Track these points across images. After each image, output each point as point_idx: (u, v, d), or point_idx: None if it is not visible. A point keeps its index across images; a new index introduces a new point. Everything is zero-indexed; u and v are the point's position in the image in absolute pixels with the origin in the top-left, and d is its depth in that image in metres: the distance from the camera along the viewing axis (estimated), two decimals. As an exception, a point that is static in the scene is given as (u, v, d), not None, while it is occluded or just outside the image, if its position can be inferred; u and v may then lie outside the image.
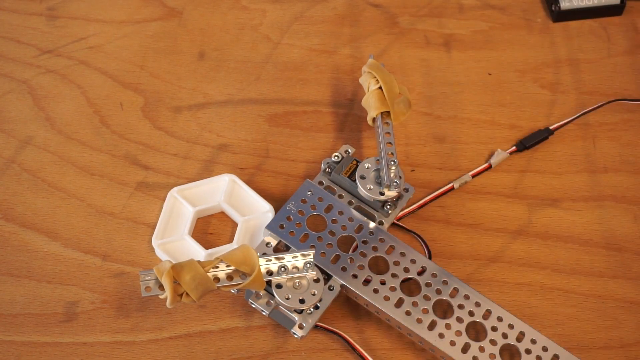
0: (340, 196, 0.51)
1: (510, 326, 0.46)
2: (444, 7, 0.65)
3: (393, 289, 0.47)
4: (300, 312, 0.46)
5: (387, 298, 0.47)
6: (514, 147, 0.56)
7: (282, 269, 0.45)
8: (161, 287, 0.43)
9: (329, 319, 0.48)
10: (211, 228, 0.53)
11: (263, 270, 0.45)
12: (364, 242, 0.49)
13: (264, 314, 0.46)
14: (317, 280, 0.46)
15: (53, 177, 0.55)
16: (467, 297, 0.47)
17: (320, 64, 0.61)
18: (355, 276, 0.47)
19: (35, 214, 0.53)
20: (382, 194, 0.50)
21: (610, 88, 0.60)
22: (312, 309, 0.46)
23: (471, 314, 0.47)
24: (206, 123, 0.58)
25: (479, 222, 0.53)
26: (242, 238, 0.51)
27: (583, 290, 0.50)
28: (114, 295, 0.50)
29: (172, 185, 0.54)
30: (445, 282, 0.48)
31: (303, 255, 0.46)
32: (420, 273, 0.48)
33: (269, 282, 0.46)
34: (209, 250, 0.50)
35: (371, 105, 0.52)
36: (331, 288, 0.47)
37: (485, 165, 0.55)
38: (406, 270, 0.48)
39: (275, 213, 0.51)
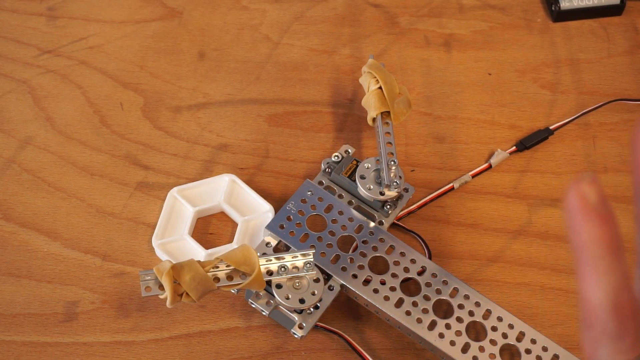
0: (340, 196, 0.51)
1: (510, 326, 0.46)
2: (444, 7, 0.65)
3: (393, 289, 0.47)
4: (300, 312, 0.46)
5: (387, 298, 0.47)
6: (514, 147, 0.56)
7: (282, 269, 0.45)
8: (161, 287, 0.43)
9: (329, 319, 0.48)
10: (211, 228, 0.53)
11: (263, 270, 0.45)
12: (364, 242, 0.49)
13: (264, 314, 0.46)
14: (317, 280, 0.46)
15: (53, 177, 0.55)
16: (467, 297, 0.47)
17: (320, 64, 0.61)
18: (355, 276, 0.47)
19: (35, 214, 0.53)
20: (382, 194, 0.50)
21: (610, 88, 0.60)
22: (312, 309, 0.46)
23: (471, 314, 0.47)
24: (206, 123, 0.58)
25: (479, 222, 0.53)
26: (242, 238, 0.51)
27: (583, 290, 0.50)
28: (114, 295, 0.50)
29: (172, 185, 0.54)
30: (445, 282, 0.48)
31: (303, 255, 0.46)
32: (420, 273, 0.48)
33: (269, 282, 0.46)
34: (209, 250, 0.50)
35: (371, 105, 0.52)
36: (331, 288, 0.47)
37: (485, 165, 0.55)
38: (406, 270, 0.48)
39: (275, 213, 0.51)
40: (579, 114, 0.58)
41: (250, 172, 0.55)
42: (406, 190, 0.52)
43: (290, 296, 0.45)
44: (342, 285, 0.48)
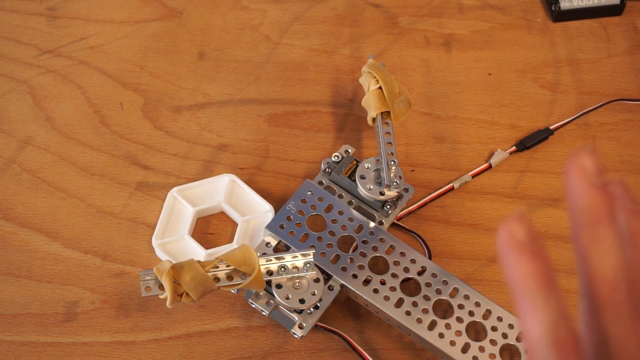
0: (340, 196, 0.51)
1: (510, 326, 0.46)
2: (444, 7, 0.65)
3: (393, 289, 0.47)
4: (300, 312, 0.46)
5: (387, 298, 0.47)
6: (514, 147, 0.56)
7: (282, 269, 0.45)
8: (161, 287, 0.43)
9: (329, 319, 0.48)
10: (211, 228, 0.53)
11: (263, 270, 0.45)
12: (364, 242, 0.49)
13: (264, 314, 0.46)
14: (317, 280, 0.46)
15: (53, 177, 0.55)
16: (467, 297, 0.47)
17: (320, 64, 0.61)
18: (355, 276, 0.47)
19: (35, 214, 0.53)
20: (382, 194, 0.50)
21: (610, 88, 0.60)
22: (312, 309, 0.46)
23: (471, 314, 0.47)
24: (206, 123, 0.58)
25: (479, 222, 0.53)
26: (242, 238, 0.51)
27: (583, 290, 0.50)
28: (114, 295, 0.50)
29: (172, 185, 0.54)
30: (445, 282, 0.48)
31: (303, 255, 0.46)
32: (420, 273, 0.48)
33: (269, 282, 0.46)
34: (209, 250, 0.50)
35: (371, 105, 0.52)
36: (331, 288, 0.47)
37: (485, 165, 0.55)
38: (406, 270, 0.48)
39: (275, 213, 0.51)
40: (579, 114, 0.58)
41: (250, 172, 0.55)
42: (406, 190, 0.52)
43: (290, 296, 0.45)
44: (342, 285, 0.48)
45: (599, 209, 0.25)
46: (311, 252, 0.46)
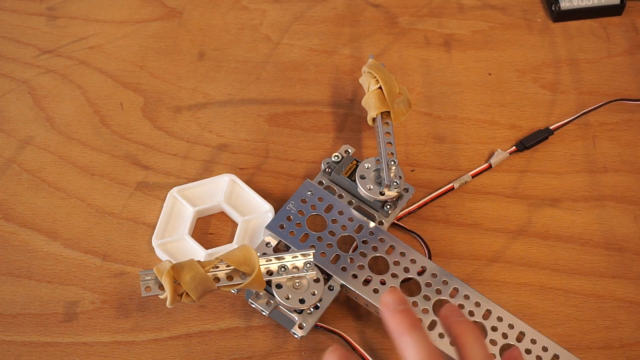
0: (340, 196, 0.51)
1: (510, 326, 0.46)
2: (444, 7, 0.65)
3: (393, 289, 0.47)
4: (300, 312, 0.46)
5: (387, 298, 0.47)
6: (514, 147, 0.56)
7: (282, 269, 0.45)
8: (161, 287, 0.43)
9: (329, 319, 0.48)
10: (211, 228, 0.53)
11: (263, 270, 0.45)
12: (364, 242, 0.49)
13: (264, 314, 0.46)
14: (317, 280, 0.46)
15: (53, 177, 0.55)
16: (467, 297, 0.47)
17: (320, 64, 0.61)
18: (355, 276, 0.47)
19: (35, 214, 0.53)
20: (382, 194, 0.50)
21: (610, 88, 0.60)
22: (312, 309, 0.46)
23: (471, 314, 0.47)
24: (206, 123, 0.58)
25: (479, 222, 0.53)
26: (242, 238, 0.51)
27: (583, 290, 0.50)
28: (114, 295, 0.50)
29: (172, 185, 0.54)
30: (445, 282, 0.48)
31: (303, 255, 0.46)
32: (420, 273, 0.48)
33: (269, 282, 0.46)
34: (209, 250, 0.50)
35: (371, 105, 0.52)
36: (331, 288, 0.47)
37: (485, 165, 0.55)
38: (406, 270, 0.48)
39: (275, 213, 0.51)
40: (579, 114, 0.58)
41: (250, 172, 0.55)
42: (406, 190, 0.52)
43: (290, 296, 0.45)
44: (342, 285, 0.48)
45: (401, 325, 0.36)
46: (311, 252, 0.46)
